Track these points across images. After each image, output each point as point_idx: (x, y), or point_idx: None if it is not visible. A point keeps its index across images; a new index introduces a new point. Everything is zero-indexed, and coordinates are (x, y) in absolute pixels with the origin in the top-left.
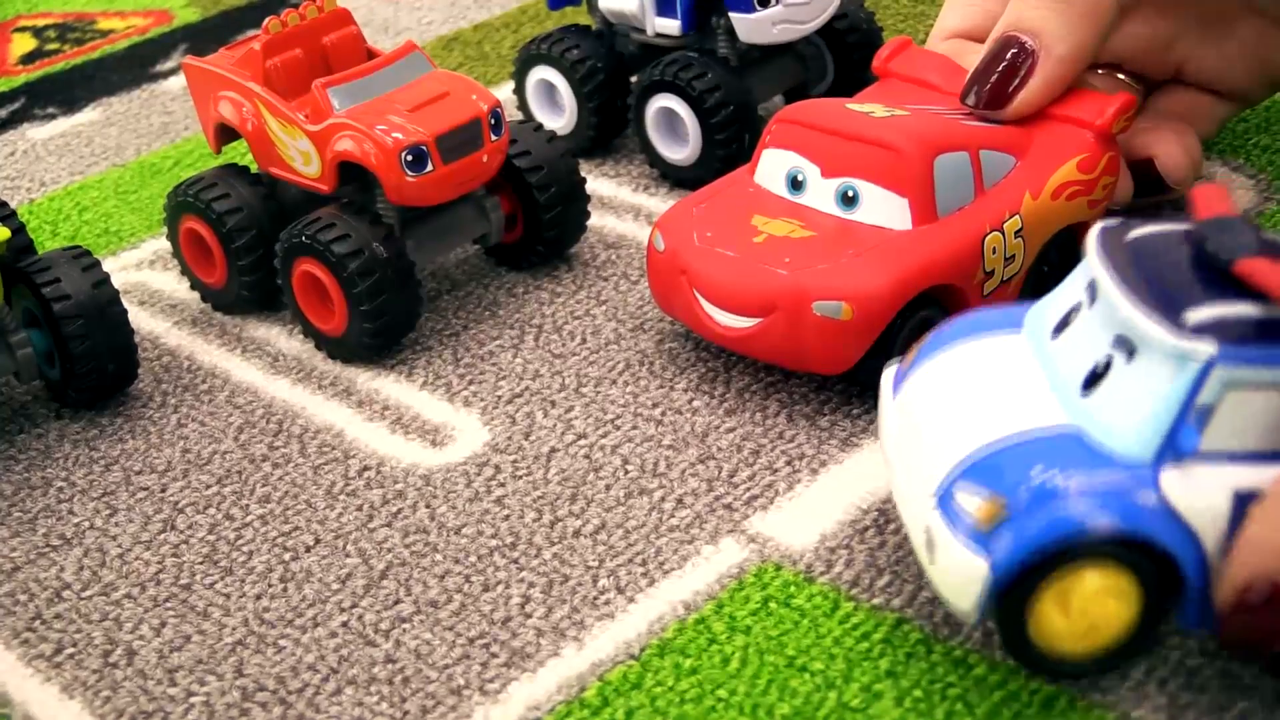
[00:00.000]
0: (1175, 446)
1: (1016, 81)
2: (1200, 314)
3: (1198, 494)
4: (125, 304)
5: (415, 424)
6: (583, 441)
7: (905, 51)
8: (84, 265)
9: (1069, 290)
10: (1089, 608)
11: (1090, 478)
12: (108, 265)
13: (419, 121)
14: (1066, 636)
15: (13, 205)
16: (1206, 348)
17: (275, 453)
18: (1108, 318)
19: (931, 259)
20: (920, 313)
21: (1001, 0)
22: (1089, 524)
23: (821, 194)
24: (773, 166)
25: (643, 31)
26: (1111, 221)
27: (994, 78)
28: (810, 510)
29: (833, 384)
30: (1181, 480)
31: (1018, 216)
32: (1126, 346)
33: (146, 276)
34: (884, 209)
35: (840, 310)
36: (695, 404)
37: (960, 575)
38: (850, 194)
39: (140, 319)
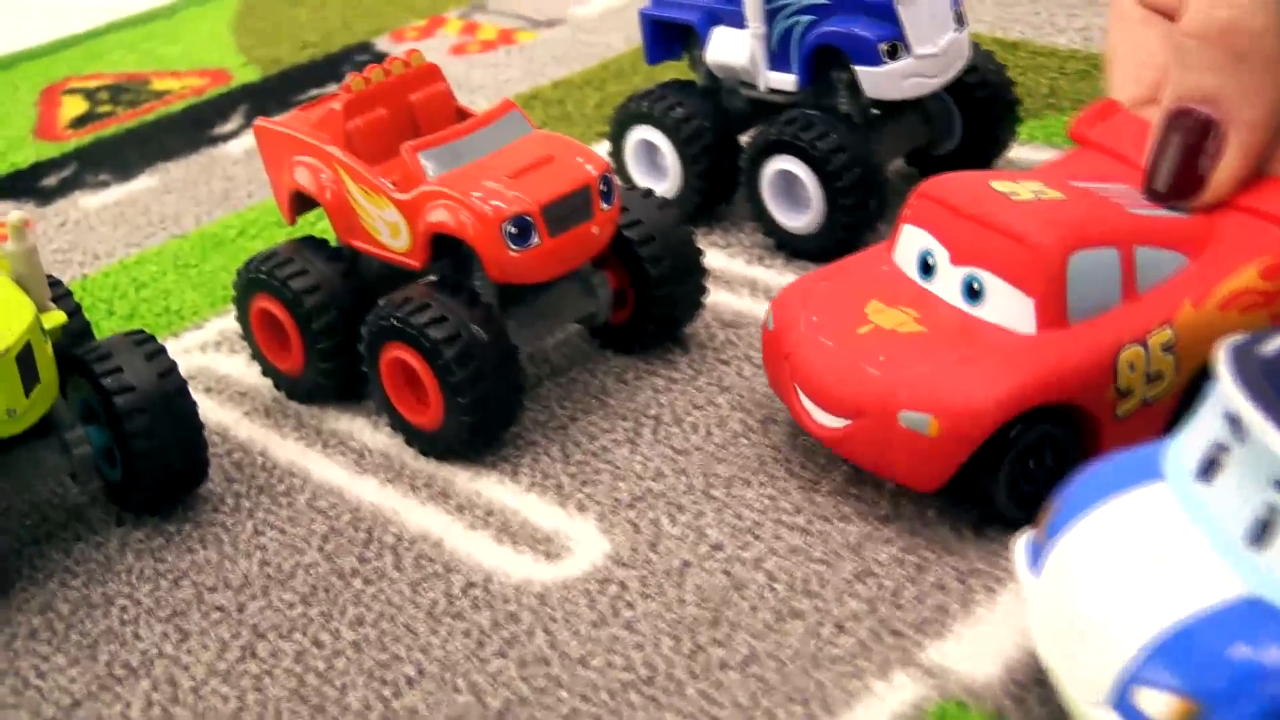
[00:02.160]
0: None
1: (1205, 161)
2: None
3: None
4: (192, 394)
5: (524, 532)
6: (719, 554)
7: (1111, 118)
8: (148, 352)
9: (1205, 423)
10: None
11: None
12: (170, 348)
13: (522, 189)
14: None
15: (65, 281)
16: None
17: (367, 566)
18: (1262, 460)
19: (1049, 372)
20: (1038, 428)
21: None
22: None
23: (948, 282)
24: (908, 245)
25: (753, 87)
26: (1241, 338)
27: (1175, 161)
28: (991, 637)
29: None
30: None
31: (1170, 329)
32: None
33: (212, 360)
34: (1008, 307)
35: (926, 425)
36: (844, 509)
37: None
38: (976, 286)
39: (208, 409)
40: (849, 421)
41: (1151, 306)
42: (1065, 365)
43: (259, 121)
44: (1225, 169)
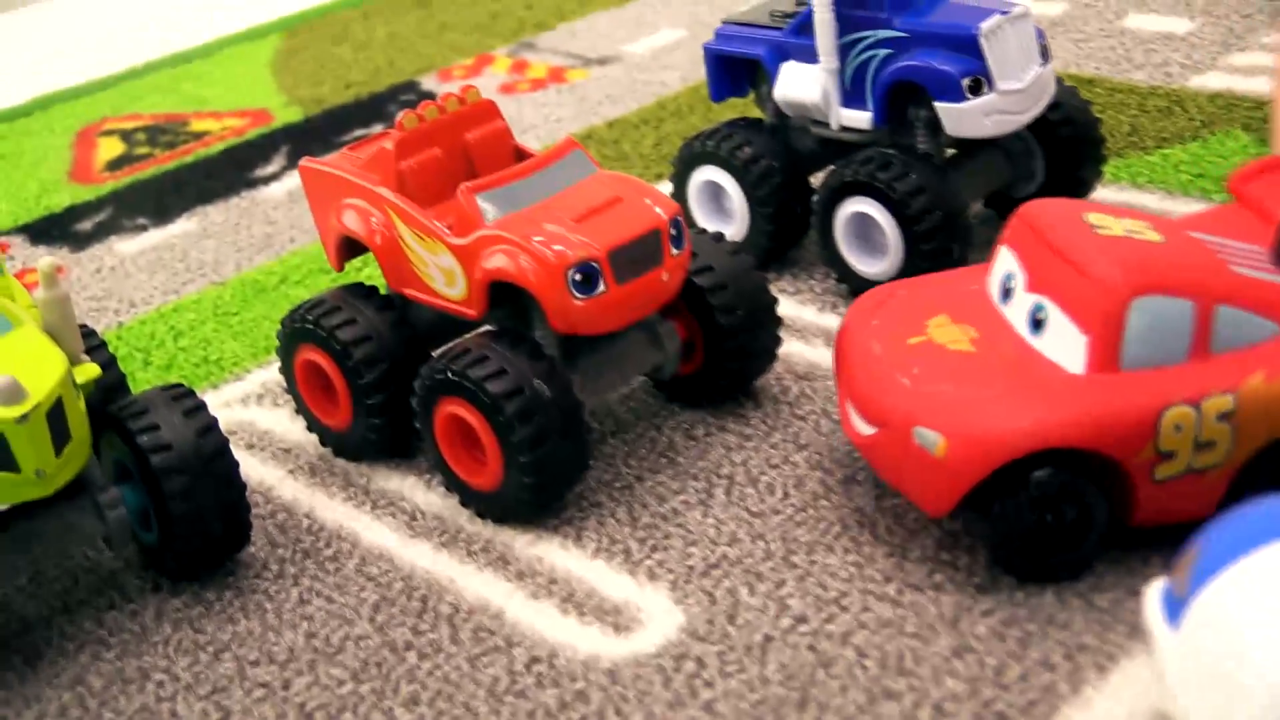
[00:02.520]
0: None
1: None
2: None
3: None
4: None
5: (591, 602)
6: (803, 627)
7: (1272, 174)
8: (186, 408)
9: None
10: None
11: None
12: (209, 400)
13: (587, 233)
14: None
15: (99, 329)
16: None
17: (421, 639)
18: None
19: (1081, 415)
20: (1063, 474)
21: None
22: None
23: (1019, 309)
24: (998, 266)
25: (824, 125)
26: None
27: None
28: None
29: (1107, 552)
30: None
31: (1231, 397)
32: None
33: (254, 414)
34: (1064, 342)
35: (935, 444)
36: (937, 578)
37: None
38: (1041, 316)
39: (249, 467)
40: (876, 430)
41: (1219, 370)
42: (1101, 411)
43: (304, 162)
44: None
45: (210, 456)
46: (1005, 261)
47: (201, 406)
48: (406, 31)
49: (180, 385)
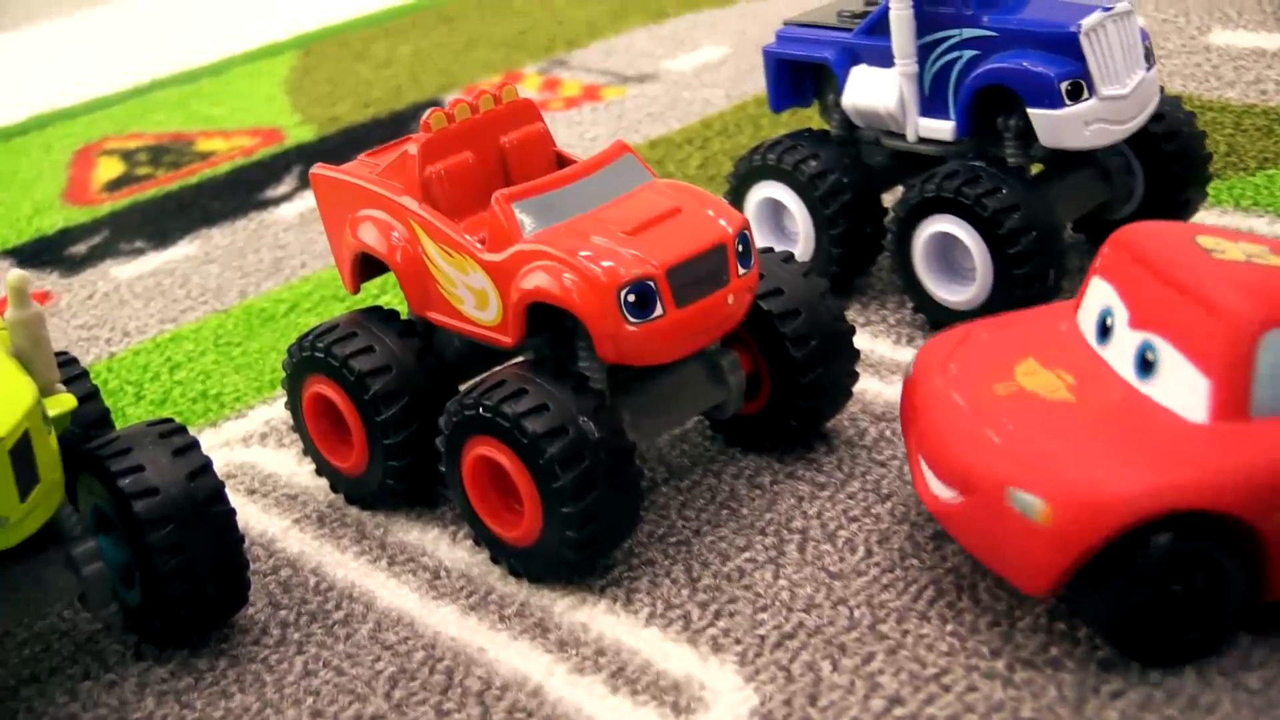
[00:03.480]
0: None
1: None
2: None
3: None
4: (229, 495)
5: (645, 677)
6: (899, 710)
7: None
8: (176, 447)
9: None
10: None
11: None
12: (207, 439)
13: (642, 248)
14: None
15: (88, 360)
16: None
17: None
18: None
19: (1211, 472)
20: (1190, 541)
21: None
22: None
23: (1122, 349)
24: (1092, 301)
25: (899, 136)
26: None
27: None
28: None
29: (1253, 626)
30: None
31: None
32: None
33: (256, 456)
34: (1180, 386)
35: (1035, 509)
36: (1053, 651)
37: None
38: (1150, 357)
39: (249, 515)
40: (959, 495)
41: None
42: (1231, 467)
43: (317, 169)
44: None
45: (203, 503)
46: (1100, 295)
47: (194, 445)
48: (430, 49)
49: (170, 420)
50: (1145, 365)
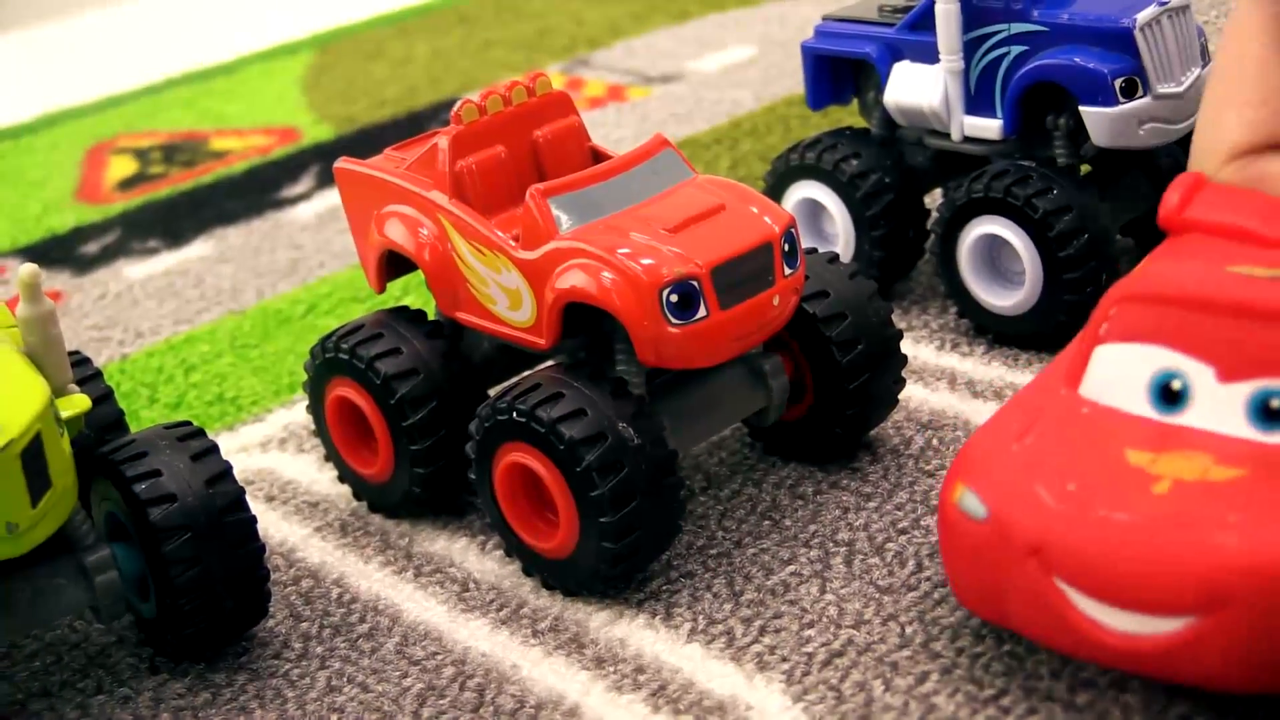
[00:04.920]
0: None
1: None
2: None
3: None
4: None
5: (688, 697)
6: None
7: (1202, 192)
8: (194, 451)
9: None
10: None
11: None
12: (224, 444)
13: (685, 246)
14: None
15: (100, 361)
16: None
17: None
18: None
19: None
20: None
21: None
22: None
23: (1221, 408)
24: (1121, 371)
25: (943, 135)
26: None
27: None
28: None
29: None
30: None
31: None
32: None
33: (275, 462)
34: None
35: None
36: (1115, 673)
37: None
38: (1277, 405)
39: (269, 523)
40: (1187, 620)
41: None
42: None
43: (341, 163)
44: None
45: (223, 510)
46: (1138, 360)
47: (213, 449)
48: (448, 48)
49: (188, 423)
50: (1271, 415)
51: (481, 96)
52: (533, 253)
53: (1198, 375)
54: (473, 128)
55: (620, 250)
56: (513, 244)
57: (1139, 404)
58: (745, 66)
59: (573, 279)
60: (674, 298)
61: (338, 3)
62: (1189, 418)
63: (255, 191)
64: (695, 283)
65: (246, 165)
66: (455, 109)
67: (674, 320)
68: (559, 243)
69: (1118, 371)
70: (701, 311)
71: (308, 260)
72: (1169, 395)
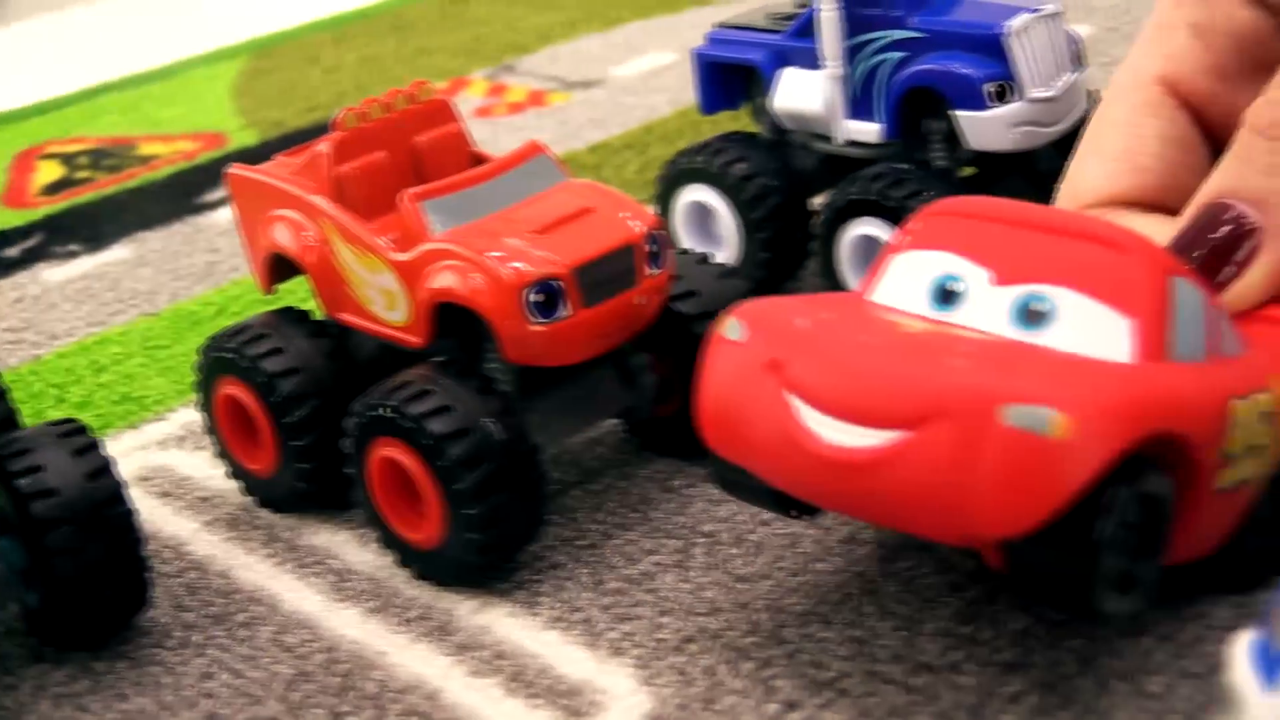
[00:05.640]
0: None
1: (1230, 268)
2: None
3: None
4: (142, 498)
5: (543, 682)
6: (795, 715)
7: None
8: (75, 447)
9: None
10: None
11: None
12: (126, 442)
13: (549, 247)
14: None
15: (12, 363)
16: None
17: None
18: None
19: (1174, 398)
20: (1146, 480)
21: (1179, 159)
22: None
23: (989, 308)
24: (907, 275)
25: (827, 139)
26: None
27: (1201, 257)
28: None
29: (1154, 627)
30: None
31: (1268, 394)
32: None
33: (174, 459)
34: (1093, 331)
35: (1046, 422)
36: (955, 656)
37: None
38: (1039, 308)
39: (161, 518)
40: (898, 435)
41: (1242, 369)
42: (1182, 396)
43: (232, 168)
44: (1250, 283)
45: (102, 504)
46: (924, 265)
47: (94, 446)
48: (382, 55)
49: (71, 421)
50: (1032, 317)
51: (363, 104)
52: (406, 254)
53: (975, 279)
54: (355, 134)
55: (486, 252)
56: (388, 246)
57: (918, 304)
58: (664, 72)
59: (443, 279)
60: (537, 297)
61: (276, 8)
62: (959, 315)
63: (177, 196)
64: (557, 283)
65: (172, 170)
66: (337, 116)
67: (537, 319)
68: (430, 245)
69: (906, 276)
70: (564, 310)
71: (223, 263)
72: (946, 296)
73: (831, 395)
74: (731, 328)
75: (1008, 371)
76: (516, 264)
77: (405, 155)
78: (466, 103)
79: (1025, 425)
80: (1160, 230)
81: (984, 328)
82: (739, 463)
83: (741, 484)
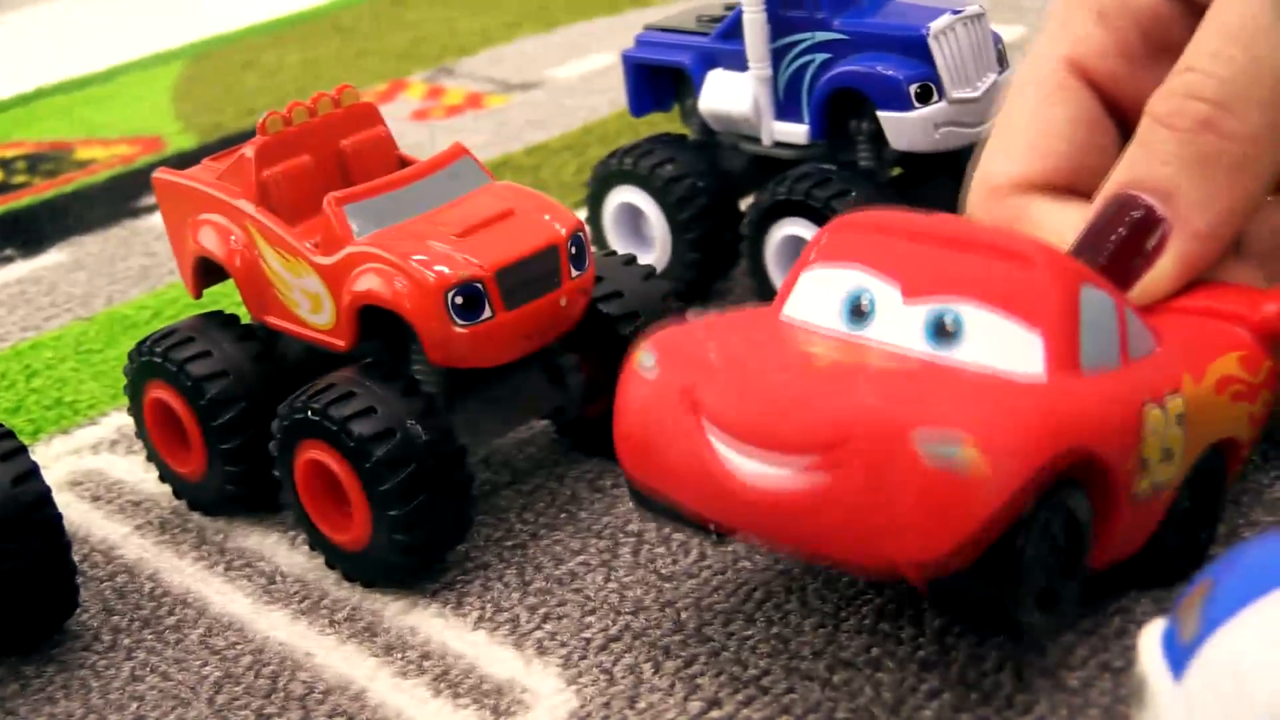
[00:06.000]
0: None
1: (1139, 260)
2: None
3: None
4: (74, 502)
5: (468, 681)
6: (716, 712)
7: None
8: (1, 451)
9: None
10: None
11: None
12: (57, 446)
13: (472, 250)
14: None
15: None
16: None
17: None
18: None
19: (1085, 414)
20: (1063, 499)
21: (1089, 140)
22: None
23: (900, 324)
24: (819, 291)
25: (755, 140)
26: None
27: (1110, 250)
28: None
29: (1076, 623)
30: None
31: (1180, 397)
32: None
33: (105, 462)
34: (1003, 346)
35: (957, 453)
36: (875, 653)
37: None
38: (948, 324)
39: (92, 521)
40: (811, 463)
41: (1155, 371)
42: (1099, 410)
43: (159, 173)
44: (1160, 274)
45: (27, 509)
46: (835, 281)
47: (21, 450)
48: (323, 58)
49: None
50: (942, 333)
51: (288, 108)
52: (330, 258)
53: (884, 294)
54: (279, 138)
55: (409, 255)
56: (312, 249)
57: (831, 320)
58: (604, 74)
59: (366, 282)
60: (459, 300)
61: (215, 11)
62: (872, 331)
63: (115, 200)
64: (479, 285)
65: (109, 174)
66: (261, 120)
67: (459, 321)
68: (353, 248)
69: (818, 292)
70: (487, 312)
71: (160, 267)
72: (857, 312)
73: (744, 423)
74: (645, 357)
75: (917, 396)
76: (439, 267)
77: (331, 159)
78: (405, 105)
79: (936, 454)
80: (1071, 219)
81: (898, 344)
82: (658, 490)
83: (659, 508)
